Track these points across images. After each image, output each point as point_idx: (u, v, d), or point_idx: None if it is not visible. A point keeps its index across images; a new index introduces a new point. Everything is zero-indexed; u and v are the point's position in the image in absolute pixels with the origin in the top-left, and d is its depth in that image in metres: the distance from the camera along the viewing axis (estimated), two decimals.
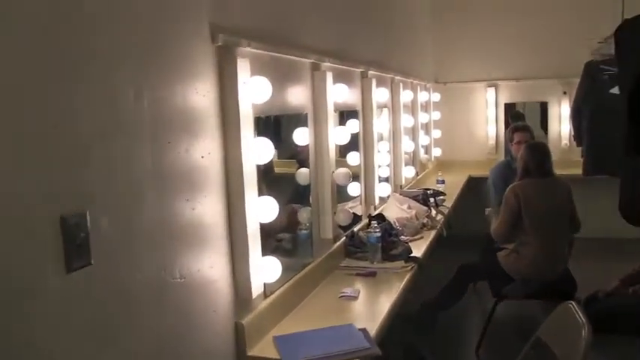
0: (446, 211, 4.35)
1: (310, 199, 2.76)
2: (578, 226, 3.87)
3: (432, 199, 4.37)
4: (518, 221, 3.63)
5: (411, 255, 3.09)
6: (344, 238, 3.16)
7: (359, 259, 3.10)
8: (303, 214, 2.75)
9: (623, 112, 2.69)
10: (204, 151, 1.79)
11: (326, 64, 2.82)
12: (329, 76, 2.77)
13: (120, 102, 1.43)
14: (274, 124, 2.47)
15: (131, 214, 1.47)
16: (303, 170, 2.73)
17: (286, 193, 2.66)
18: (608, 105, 4.33)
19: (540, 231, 3.60)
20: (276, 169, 2.52)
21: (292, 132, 2.60)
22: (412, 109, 5.10)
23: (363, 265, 3.01)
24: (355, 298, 2.56)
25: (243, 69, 1.89)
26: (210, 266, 1.82)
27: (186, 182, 1.70)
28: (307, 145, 2.69)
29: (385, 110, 4.19)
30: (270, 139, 2.04)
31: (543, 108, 6.56)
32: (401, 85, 4.49)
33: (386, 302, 2.51)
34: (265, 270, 2.00)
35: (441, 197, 4.55)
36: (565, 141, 6.31)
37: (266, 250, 2.10)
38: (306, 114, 2.66)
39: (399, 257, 3.04)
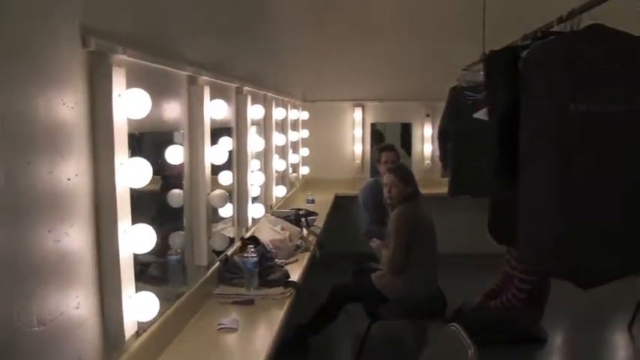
0: (317, 232, 4.30)
1: (184, 222, 2.54)
2: None
3: (303, 220, 4.32)
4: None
5: (290, 280, 2.97)
6: (217, 263, 2.96)
7: (234, 285, 2.92)
8: (175, 239, 2.53)
9: (494, 139, 2.78)
10: (71, 173, 1.53)
11: (203, 78, 2.63)
12: (206, 91, 2.59)
13: None
14: (147, 142, 2.24)
15: None
16: (176, 191, 2.52)
17: (156, 214, 2.43)
18: (472, 129, 4.54)
19: (421, 251, 3.67)
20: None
21: (164, 150, 2.37)
22: (282, 126, 5.02)
23: (240, 293, 2.83)
24: (235, 329, 2.38)
25: (118, 79, 1.66)
26: (76, 307, 1.55)
27: (49, 210, 1.43)
28: (180, 165, 2.48)
29: (255, 128, 4.05)
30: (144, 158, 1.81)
31: (408, 129, 6.81)
32: (274, 102, 4.40)
33: (268, 333, 2.37)
34: (140, 307, 1.77)
35: (312, 217, 4.51)
36: (428, 161, 6.60)
37: (138, 282, 1.86)
38: (182, 131, 2.45)
39: (277, 283, 2.90)
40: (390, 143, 5.45)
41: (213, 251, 2.86)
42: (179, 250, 2.53)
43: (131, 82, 1.78)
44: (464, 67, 4.66)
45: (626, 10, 2.44)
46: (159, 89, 2.17)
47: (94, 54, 1.63)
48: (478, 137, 4.71)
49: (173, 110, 2.37)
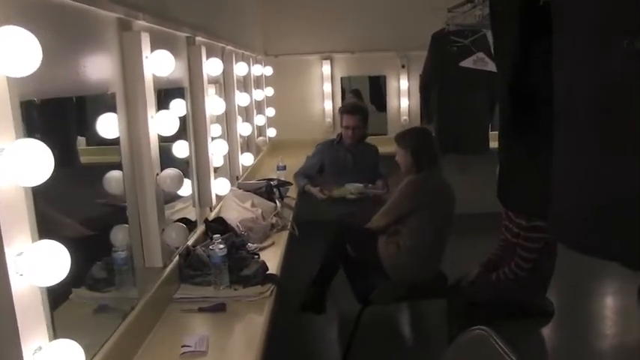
0: (293, 204, 3.73)
1: (127, 214, 1.95)
2: None
3: (276, 191, 3.73)
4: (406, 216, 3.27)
5: (268, 273, 2.41)
6: (177, 257, 2.38)
7: (199, 284, 2.35)
8: (118, 235, 1.95)
9: (501, 90, 2.27)
10: None
11: (139, 23, 1.99)
12: (145, 39, 1.95)
13: None
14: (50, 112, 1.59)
15: None
16: (115, 174, 1.91)
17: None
18: (458, 79, 4.04)
19: (436, 231, 3.31)
20: (84, 159, 1.83)
21: (95, 120, 1.76)
22: (245, 84, 4.38)
23: (206, 295, 2.26)
24: (203, 352, 1.81)
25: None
26: None
27: None
28: (117, 139, 1.87)
29: (213, 87, 3.41)
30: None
31: (382, 82, 6.22)
32: (234, 56, 3.75)
33: (248, 353, 1.81)
34: None
35: (286, 187, 3.92)
36: (405, 117, 6.03)
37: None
38: (114, 93, 1.83)
39: (254, 279, 2.33)
40: (353, 104, 4.81)
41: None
42: (123, 247, 1.95)
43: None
44: (449, 9, 4.08)
45: None
46: (72, 34, 1.54)
47: None
48: (465, 89, 4.24)
49: (100, 65, 1.73)
